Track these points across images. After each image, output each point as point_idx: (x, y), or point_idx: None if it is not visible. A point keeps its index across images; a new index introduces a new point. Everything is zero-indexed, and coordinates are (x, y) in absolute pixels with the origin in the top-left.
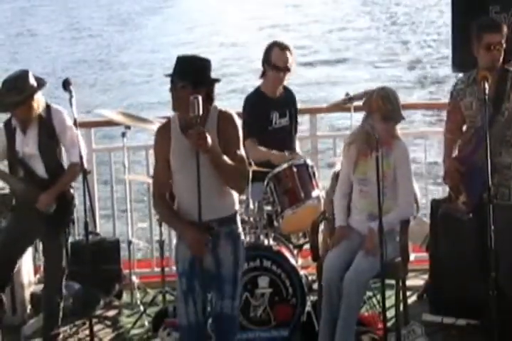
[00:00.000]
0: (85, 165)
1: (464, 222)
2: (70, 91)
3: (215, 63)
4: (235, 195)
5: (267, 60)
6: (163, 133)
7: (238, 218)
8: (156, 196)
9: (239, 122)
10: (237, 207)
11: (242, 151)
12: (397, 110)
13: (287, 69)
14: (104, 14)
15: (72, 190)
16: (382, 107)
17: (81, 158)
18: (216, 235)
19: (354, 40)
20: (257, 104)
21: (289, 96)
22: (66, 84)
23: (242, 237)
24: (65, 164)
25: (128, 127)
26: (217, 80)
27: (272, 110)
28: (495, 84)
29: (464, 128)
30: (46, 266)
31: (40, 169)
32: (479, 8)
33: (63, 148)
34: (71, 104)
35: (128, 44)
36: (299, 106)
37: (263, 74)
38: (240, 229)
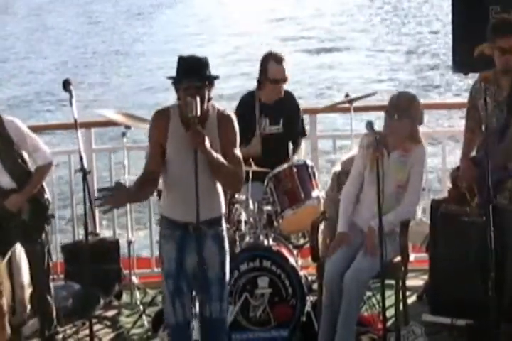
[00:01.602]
0: (85, 165)
1: (465, 223)
2: (70, 92)
3: (226, 51)
4: (222, 196)
5: (263, 72)
6: (162, 119)
7: (223, 220)
8: (143, 175)
9: (237, 123)
10: (223, 209)
11: (238, 152)
12: (398, 108)
13: (285, 80)
14: (119, 8)
15: (46, 195)
16: (387, 105)
17: (81, 158)
18: (203, 236)
19: (357, 31)
20: (248, 106)
21: (286, 103)
22: (66, 85)
23: (227, 240)
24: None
25: (128, 127)
26: (215, 77)
27: (262, 115)
28: (509, 87)
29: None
30: (31, 269)
31: (5, 180)
32: (479, 9)
33: (26, 156)
34: (71, 104)
35: (144, 36)
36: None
37: (259, 84)
38: (225, 232)
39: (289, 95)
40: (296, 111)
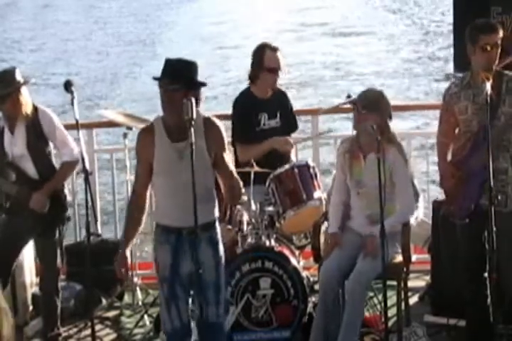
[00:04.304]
0: (87, 166)
1: (460, 225)
2: (72, 92)
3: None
4: (216, 201)
5: (258, 63)
6: (147, 136)
7: (217, 224)
8: (133, 199)
9: (224, 130)
10: (217, 213)
11: (229, 159)
12: (364, 102)
13: (280, 69)
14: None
15: (66, 191)
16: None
17: (83, 159)
18: (197, 240)
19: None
20: (245, 104)
21: (280, 98)
22: (68, 85)
23: (221, 244)
24: (56, 165)
25: (129, 128)
26: (204, 84)
27: (260, 111)
28: (492, 88)
29: (457, 131)
30: (41, 265)
31: (30, 169)
32: (481, 9)
33: (53, 150)
34: (72, 105)
35: (170, 25)
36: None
37: (253, 79)
38: (219, 236)
39: (278, 90)
40: (289, 106)
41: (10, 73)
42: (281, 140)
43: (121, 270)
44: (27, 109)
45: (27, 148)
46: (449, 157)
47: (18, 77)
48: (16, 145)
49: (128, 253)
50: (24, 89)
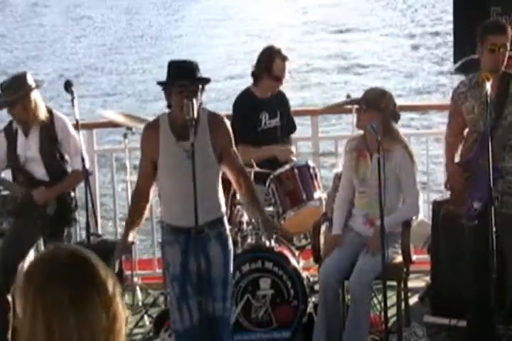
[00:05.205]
0: (87, 166)
1: (469, 226)
2: (72, 93)
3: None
4: (223, 197)
5: (266, 67)
6: (152, 132)
7: (226, 220)
8: (137, 190)
9: (229, 124)
10: (224, 209)
11: (235, 149)
12: (365, 100)
13: (284, 78)
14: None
15: (72, 194)
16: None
17: (83, 159)
18: (206, 237)
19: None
20: (246, 104)
21: (279, 97)
22: (68, 86)
23: (230, 239)
24: (68, 169)
25: (129, 128)
26: (208, 80)
27: (261, 111)
28: (496, 88)
29: (465, 132)
30: None
31: (41, 172)
32: (481, 10)
33: (66, 155)
34: (73, 105)
35: (177, 22)
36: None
37: (256, 78)
38: (228, 231)
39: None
40: (287, 105)
41: (20, 78)
42: (284, 150)
43: (121, 257)
44: (39, 113)
45: (39, 151)
46: (457, 158)
47: (30, 81)
48: (30, 149)
49: (130, 237)
50: (35, 93)
